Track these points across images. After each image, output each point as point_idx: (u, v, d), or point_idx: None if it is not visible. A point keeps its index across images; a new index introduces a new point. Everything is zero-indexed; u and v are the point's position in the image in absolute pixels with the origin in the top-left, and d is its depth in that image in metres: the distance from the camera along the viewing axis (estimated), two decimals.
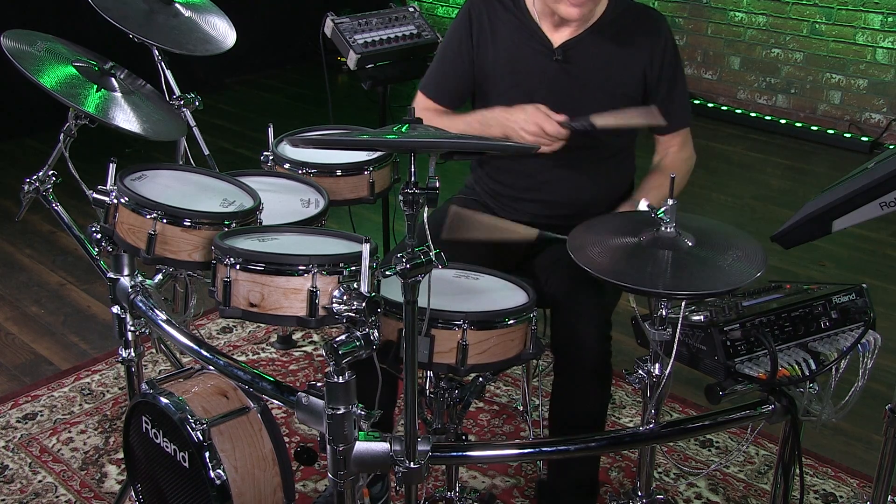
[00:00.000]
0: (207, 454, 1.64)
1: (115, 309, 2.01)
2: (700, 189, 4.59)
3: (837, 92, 5.33)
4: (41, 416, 2.76)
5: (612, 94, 2.15)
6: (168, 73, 2.61)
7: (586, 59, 2.14)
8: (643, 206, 1.91)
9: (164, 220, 1.80)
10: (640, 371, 1.67)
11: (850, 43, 5.21)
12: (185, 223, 1.81)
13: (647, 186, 2.19)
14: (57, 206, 2.38)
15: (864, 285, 1.77)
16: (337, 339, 1.46)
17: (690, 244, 1.63)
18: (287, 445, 1.82)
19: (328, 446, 1.52)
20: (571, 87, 2.14)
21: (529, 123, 2.02)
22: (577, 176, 2.18)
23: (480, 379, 1.96)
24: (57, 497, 2.42)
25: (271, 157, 2.35)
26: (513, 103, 2.18)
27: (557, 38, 2.15)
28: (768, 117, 5.53)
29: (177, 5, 2.60)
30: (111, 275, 1.97)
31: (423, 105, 2.29)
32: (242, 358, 3.04)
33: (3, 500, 2.40)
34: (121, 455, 2.49)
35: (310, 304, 1.60)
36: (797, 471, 1.75)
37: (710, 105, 5.68)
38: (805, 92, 5.46)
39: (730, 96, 5.75)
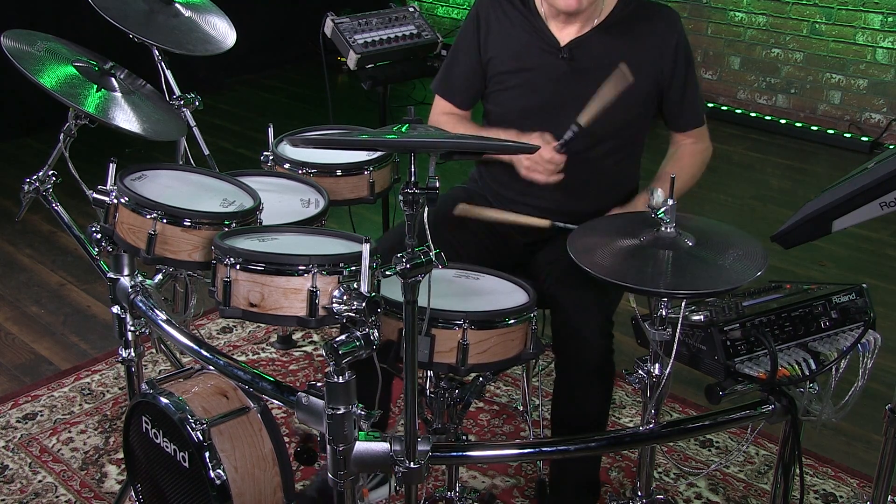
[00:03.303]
0: (207, 454, 1.64)
1: (115, 309, 2.01)
2: (700, 189, 4.56)
3: (837, 92, 5.33)
4: (41, 416, 2.76)
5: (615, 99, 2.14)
6: (168, 73, 2.61)
7: (593, 57, 2.13)
8: (658, 196, 1.94)
9: (164, 220, 1.80)
10: (640, 371, 1.67)
11: (850, 43, 5.21)
12: (185, 223, 1.81)
13: (662, 176, 2.20)
14: (57, 206, 2.38)
15: (864, 285, 1.77)
16: (337, 339, 1.46)
17: (690, 244, 1.63)
18: (287, 445, 1.82)
19: (328, 446, 1.52)
20: (578, 86, 2.13)
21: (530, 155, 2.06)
22: (580, 182, 2.17)
23: (480, 379, 1.96)
24: (57, 497, 2.42)
25: (271, 157, 2.35)
26: (521, 102, 2.18)
27: (564, 36, 2.15)
28: (768, 117, 5.53)
29: (177, 5, 2.60)
30: (111, 275, 1.97)
31: (442, 108, 2.31)
32: (242, 358, 3.04)
33: (3, 500, 2.40)
34: (121, 455, 2.49)
35: (310, 304, 1.59)
36: (797, 471, 1.75)
37: (710, 105, 5.68)
38: (805, 92, 5.46)
39: (730, 96, 5.75)
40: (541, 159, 2.06)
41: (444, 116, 2.29)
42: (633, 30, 2.13)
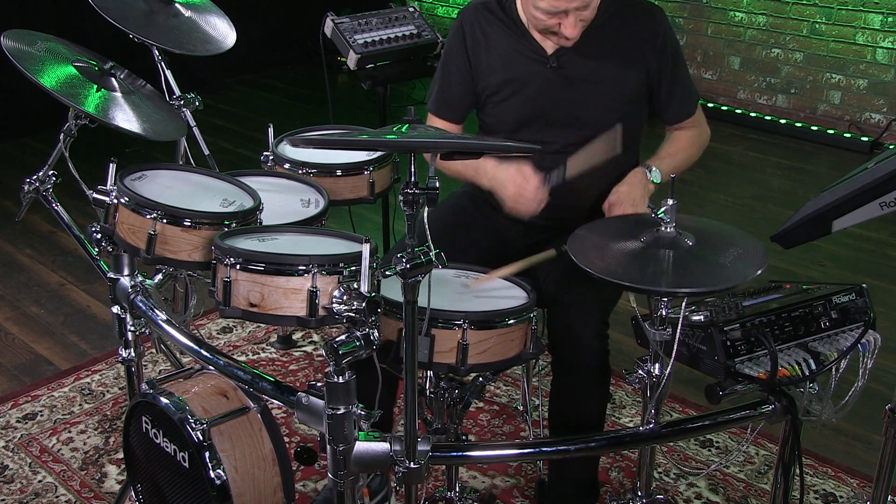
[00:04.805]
0: (207, 454, 1.64)
1: (115, 309, 2.01)
2: (700, 189, 4.59)
3: (837, 92, 5.33)
4: (41, 416, 2.76)
5: (611, 96, 2.14)
6: (168, 73, 2.61)
7: (581, 63, 2.13)
8: (655, 172, 2.08)
9: (164, 220, 1.80)
10: (640, 371, 1.67)
11: (850, 43, 5.21)
12: (185, 223, 1.81)
13: (660, 154, 2.21)
14: (57, 206, 2.38)
15: (864, 285, 1.77)
16: (337, 339, 1.46)
17: (690, 244, 1.63)
18: (287, 445, 1.82)
19: (328, 446, 1.52)
20: (569, 93, 2.14)
21: (509, 184, 2.04)
22: (580, 180, 2.17)
23: (480, 379, 1.96)
24: (57, 497, 2.42)
25: (271, 157, 2.35)
26: (514, 112, 2.19)
27: (550, 45, 2.14)
28: (768, 117, 5.53)
29: (177, 5, 2.60)
30: (111, 275, 1.97)
31: (438, 126, 2.30)
32: (242, 358, 3.04)
33: (3, 500, 2.40)
34: (121, 455, 2.49)
35: (310, 304, 1.59)
36: (797, 471, 1.75)
37: (710, 105, 5.68)
38: (805, 92, 5.46)
39: (730, 96, 5.75)
40: (524, 193, 2.03)
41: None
42: (618, 30, 2.13)
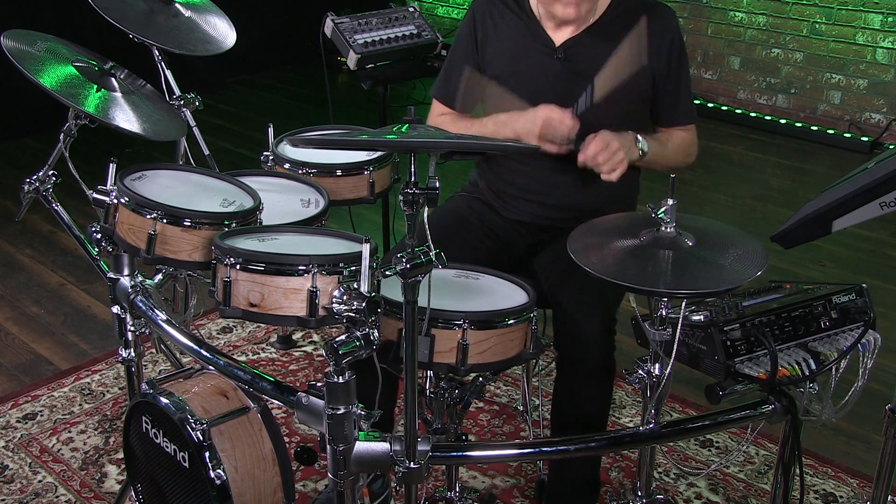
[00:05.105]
0: (207, 454, 1.64)
1: (115, 309, 2.01)
2: (700, 189, 4.59)
3: (837, 92, 5.33)
4: (41, 416, 2.76)
5: (616, 92, 2.14)
6: (168, 73, 2.61)
7: (588, 57, 2.13)
8: (642, 143, 2.04)
9: (164, 220, 1.80)
10: (640, 371, 1.67)
11: (850, 43, 5.21)
12: (185, 223, 1.81)
13: (652, 135, 2.17)
14: (57, 206, 2.38)
15: (864, 285, 1.77)
16: (337, 339, 1.46)
17: (691, 244, 1.63)
18: (287, 445, 1.82)
19: (328, 446, 1.52)
20: (574, 87, 2.13)
21: (538, 120, 2.01)
22: (582, 180, 2.17)
23: (480, 379, 1.96)
24: (57, 497, 2.42)
25: (271, 157, 2.35)
26: (519, 104, 2.18)
27: (559, 37, 2.15)
28: (768, 117, 5.53)
29: (177, 5, 2.60)
30: (111, 275, 1.97)
31: (438, 111, 2.31)
32: (242, 358, 3.04)
33: (3, 500, 2.40)
34: (121, 455, 2.49)
35: (310, 304, 1.59)
36: (797, 471, 1.75)
37: (710, 105, 5.68)
38: (805, 92, 5.46)
39: (730, 96, 5.75)
40: (553, 120, 1.99)
41: (442, 118, 2.30)
42: (627, 28, 2.12)
